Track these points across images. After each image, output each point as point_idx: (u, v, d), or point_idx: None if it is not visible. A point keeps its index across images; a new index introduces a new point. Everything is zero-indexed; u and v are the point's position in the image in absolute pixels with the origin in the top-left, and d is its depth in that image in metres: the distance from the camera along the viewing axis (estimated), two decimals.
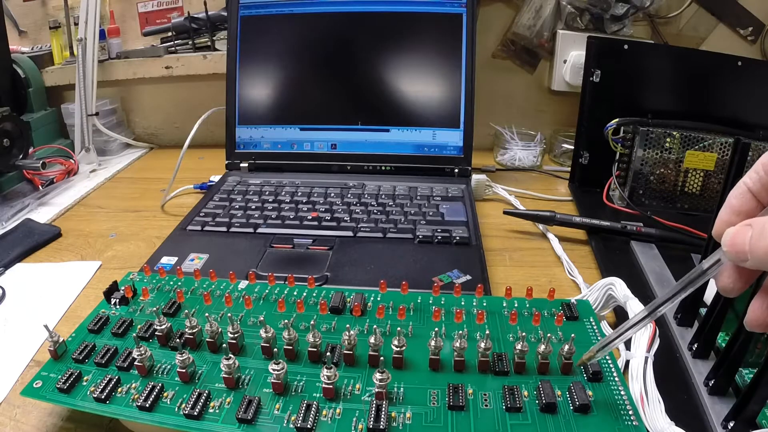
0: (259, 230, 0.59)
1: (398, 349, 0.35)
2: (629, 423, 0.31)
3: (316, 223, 0.60)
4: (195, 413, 0.31)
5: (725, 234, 0.24)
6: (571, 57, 0.80)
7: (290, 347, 0.36)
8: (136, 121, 0.99)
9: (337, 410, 0.32)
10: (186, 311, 0.41)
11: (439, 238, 0.56)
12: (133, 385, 0.34)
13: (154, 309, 0.41)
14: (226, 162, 0.76)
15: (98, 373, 0.35)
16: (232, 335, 0.36)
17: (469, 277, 0.50)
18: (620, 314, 0.45)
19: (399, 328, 0.35)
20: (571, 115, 0.75)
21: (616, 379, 0.34)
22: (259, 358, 0.36)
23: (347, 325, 0.35)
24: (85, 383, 0.34)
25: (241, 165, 0.76)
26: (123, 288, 0.43)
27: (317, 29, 0.74)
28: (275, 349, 0.36)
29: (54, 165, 0.81)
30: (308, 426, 0.30)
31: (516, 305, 0.41)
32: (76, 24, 0.85)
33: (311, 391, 0.33)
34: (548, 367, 0.35)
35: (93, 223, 0.68)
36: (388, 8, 0.72)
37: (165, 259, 0.53)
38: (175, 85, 0.93)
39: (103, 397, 0.33)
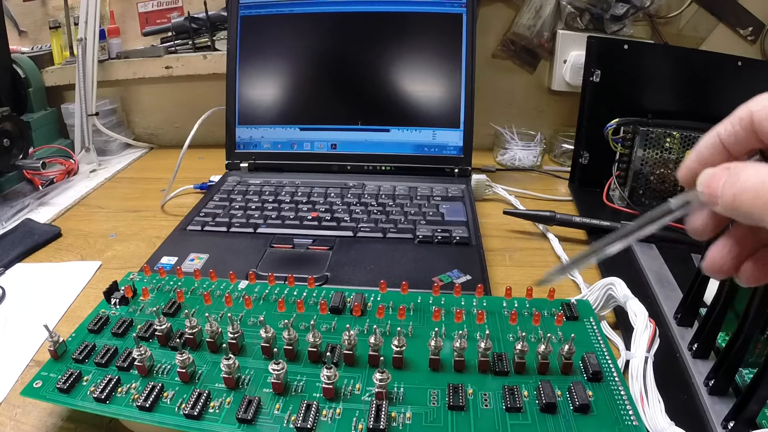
0: (259, 230, 0.59)
1: (398, 349, 0.35)
2: (629, 423, 0.31)
3: (316, 223, 0.60)
4: (195, 413, 0.31)
5: (703, 174, 0.22)
6: (571, 57, 0.80)
7: (290, 347, 0.36)
8: (136, 121, 0.99)
9: (337, 410, 0.32)
10: (186, 311, 0.41)
11: (439, 238, 0.56)
12: (133, 385, 0.34)
13: (154, 309, 0.41)
14: (226, 162, 0.77)
15: (98, 373, 0.35)
16: (232, 335, 0.36)
17: (469, 277, 0.50)
18: (620, 314, 0.45)
19: (399, 328, 0.35)
20: (571, 115, 0.75)
21: (616, 379, 0.34)
22: (259, 358, 0.36)
23: (347, 325, 0.35)
24: (85, 383, 0.34)
25: (241, 165, 0.76)
26: (123, 288, 0.43)
27: (317, 29, 0.74)
28: (275, 349, 0.36)
29: (54, 165, 0.81)
30: (308, 426, 0.30)
31: (516, 305, 0.41)
32: (76, 24, 0.85)
33: (311, 391, 0.33)
34: (548, 367, 0.35)
35: (93, 223, 0.68)
36: (389, 8, 0.72)
37: (165, 259, 0.53)
38: (175, 85, 0.93)
39: (103, 397, 0.33)
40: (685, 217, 0.25)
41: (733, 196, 0.20)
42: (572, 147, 0.75)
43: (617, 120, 0.65)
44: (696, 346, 0.40)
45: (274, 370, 0.33)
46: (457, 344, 0.34)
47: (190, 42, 0.89)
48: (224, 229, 0.60)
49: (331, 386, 0.32)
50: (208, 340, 0.37)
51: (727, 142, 0.22)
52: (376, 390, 0.32)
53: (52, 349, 0.36)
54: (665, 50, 0.75)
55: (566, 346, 0.34)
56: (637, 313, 0.38)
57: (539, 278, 0.29)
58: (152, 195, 0.75)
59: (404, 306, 0.40)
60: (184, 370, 0.34)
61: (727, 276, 0.24)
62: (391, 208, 0.63)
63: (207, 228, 0.60)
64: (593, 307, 0.42)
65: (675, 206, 0.24)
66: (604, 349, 0.36)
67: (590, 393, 0.32)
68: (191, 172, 0.78)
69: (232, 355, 0.33)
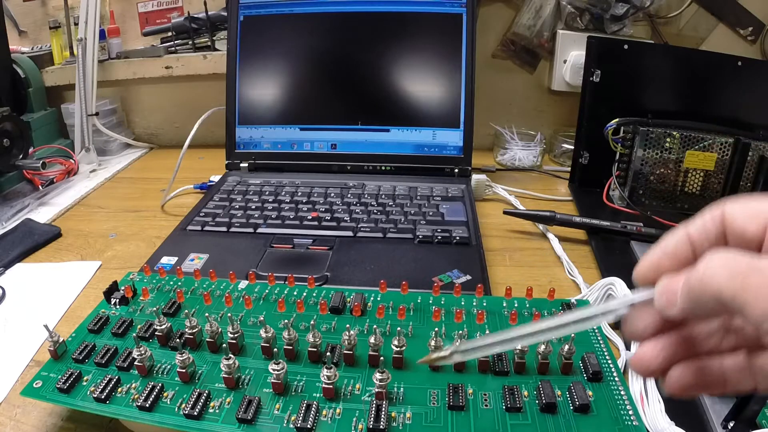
0: (259, 230, 0.59)
1: (398, 349, 0.35)
2: (629, 423, 0.31)
3: (316, 223, 0.60)
4: (195, 413, 0.31)
5: (661, 279, 0.22)
6: (571, 57, 0.80)
7: (290, 347, 0.36)
8: (136, 121, 0.99)
9: (337, 410, 0.32)
10: (186, 311, 0.41)
11: (439, 238, 0.56)
12: (133, 385, 0.34)
13: (154, 309, 0.41)
14: (226, 162, 0.76)
15: (98, 373, 0.35)
16: (232, 335, 0.36)
17: (469, 277, 0.50)
18: None
19: (399, 328, 0.35)
20: (571, 115, 0.75)
21: (616, 379, 0.34)
22: (259, 358, 0.36)
23: (347, 325, 0.35)
24: (85, 383, 0.34)
25: (241, 165, 0.76)
26: (123, 288, 0.43)
27: (317, 29, 0.74)
28: (275, 349, 0.36)
29: (54, 165, 0.81)
30: (308, 426, 0.30)
31: (516, 305, 0.41)
32: (76, 24, 0.85)
33: (311, 391, 0.33)
34: (548, 367, 0.35)
35: (93, 223, 0.68)
36: (389, 8, 0.72)
37: (165, 259, 0.53)
38: (175, 85, 0.93)
39: (103, 397, 0.33)
40: (624, 318, 0.24)
41: (699, 280, 0.19)
42: (572, 147, 0.75)
43: (617, 120, 0.65)
44: None
45: (274, 370, 0.33)
46: (458, 344, 0.34)
47: (190, 42, 0.89)
48: (224, 229, 0.60)
49: (331, 386, 0.32)
50: (208, 340, 0.37)
51: (695, 237, 0.22)
52: (376, 390, 0.32)
53: (52, 349, 0.36)
54: (665, 50, 0.75)
55: (566, 346, 0.34)
56: None
57: (425, 359, 0.26)
58: (152, 195, 0.75)
59: (404, 306, 0.40)
60: (184, 370, 0.34)
61: (653, 376, 0.23)
62: (391, 208, 0.63)
63: (207, 228, 0.60)
64: None
65: (618, 306, 0.23)
66: (604, 349, 0.36)
67: (590, 393, 0.32)
68: (191, 172, 0.77)
69: (232, 355, 0.33)
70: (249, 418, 0.31)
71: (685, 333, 0.23)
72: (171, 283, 0.45)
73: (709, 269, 0.19)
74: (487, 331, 0.35)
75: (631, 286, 0.41)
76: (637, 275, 0.24)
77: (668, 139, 0.63)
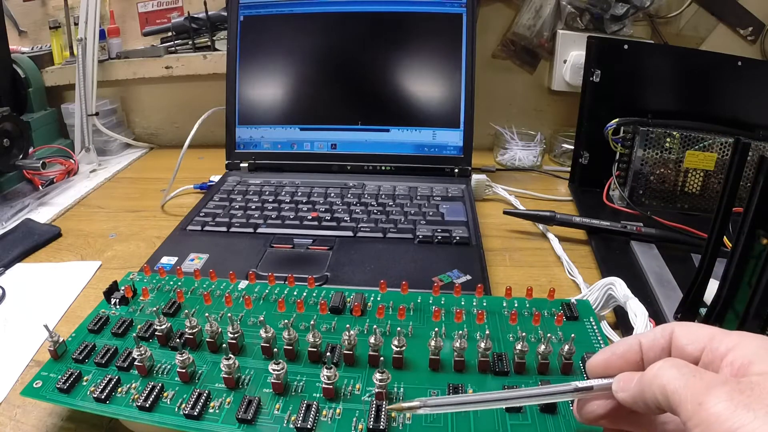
0: (259, 230, 0.59)
1: (398, 349, 0.35)
2: None
3: (316, 223, 0.60)
4: (195, 413, 0.31)
5: (621, 374, 0.25)
6: (571, 57, 0.80)
7: (290, 347, 0.36)
8: (136, 121, 0.99)
9: (337, 410, 0.32)
10: (186, 311, 0.41)
11: (439, 238, 0.56)
12: (133, 385, 0.34)
13: (154, 309, 0.41)
14: (226, 162, 0.77)
15: (98, 373, 0.35)
16: (232, 335, 0.36)
17: (469, 277, 0.50)
18: (620, 314, 0.45)
19: (399, 328, 0.35)
20: (571, 115, 0.75)
21: None
22: (259, 358, 0.36)
23: (347, 325, 0.35)
24: (85, 383, 0.34)
25: (241, 165, 0.76)
26: (123, 288, 0.43)
27: (317, 29, 0.74)
28: (275, 349, 0.36)
29: (54, 165, 0.81)
30: (308, 426, 0.30)
31: (516, 305, 0.41)
32: (76, 24, 0.85)
33: (311, 391, 0.33)
34: (548, 367, 0.35)
35: (93, 223, 0.68)
36: (388, 8, 0.72)
37: (165, 259, 0.53)
38: (175, 85, 0.93)
39: (103, 397, 0.33)
40: (579, 401, 0.27)
41: (653, 373, 0.22)
42: (572, 147, 0.75)
43: (617, 120, 0.65)
44: None
45: (274, 370, 0.33)
46: (457, 344, 0.34)
47: (190, 42, 0.89)
48: (224, 229, 0.60)
49: (331, 386, 0.32)
50: (208, 340, 0.37)
51: (645, 346, 0.26)
52: (376, 390, 0.32)
53: (52, 349, 0.36)
54: (665, 50, 0.75)
55: (566, 346, 0.34)
56: (637, 313, 0.38)
57: (394, 406, 0.28)
58: (152, 195, 0.75)
59: (404, 306, 0.40)
60: (184, 370, 0.34)
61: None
62: (391, 208, 0.63)
63: (207, 228, 0.60)
64: (593, 307, 0.42)
65: (578, 387, 0.26)
66: None
67: None
68: (191, 172, 0.77)
69: (232, 355, 0.33)
70: (249, 418, 0.31)
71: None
72: (171, 283, 0.45)
73: (662, 368, 0.22)
74: (487, 332, 0.35)
75: (630, 286, 0.41)
76: (589, 368, 0.28)
77: (668, 139, 0.63)
